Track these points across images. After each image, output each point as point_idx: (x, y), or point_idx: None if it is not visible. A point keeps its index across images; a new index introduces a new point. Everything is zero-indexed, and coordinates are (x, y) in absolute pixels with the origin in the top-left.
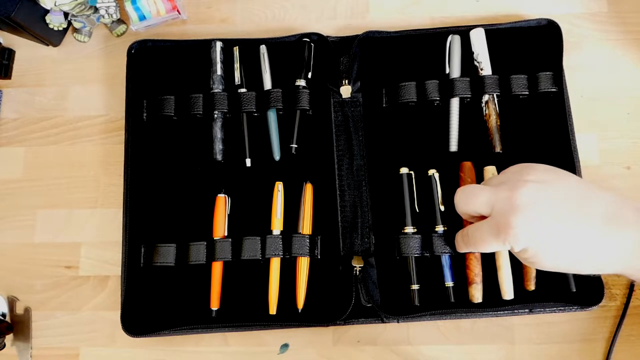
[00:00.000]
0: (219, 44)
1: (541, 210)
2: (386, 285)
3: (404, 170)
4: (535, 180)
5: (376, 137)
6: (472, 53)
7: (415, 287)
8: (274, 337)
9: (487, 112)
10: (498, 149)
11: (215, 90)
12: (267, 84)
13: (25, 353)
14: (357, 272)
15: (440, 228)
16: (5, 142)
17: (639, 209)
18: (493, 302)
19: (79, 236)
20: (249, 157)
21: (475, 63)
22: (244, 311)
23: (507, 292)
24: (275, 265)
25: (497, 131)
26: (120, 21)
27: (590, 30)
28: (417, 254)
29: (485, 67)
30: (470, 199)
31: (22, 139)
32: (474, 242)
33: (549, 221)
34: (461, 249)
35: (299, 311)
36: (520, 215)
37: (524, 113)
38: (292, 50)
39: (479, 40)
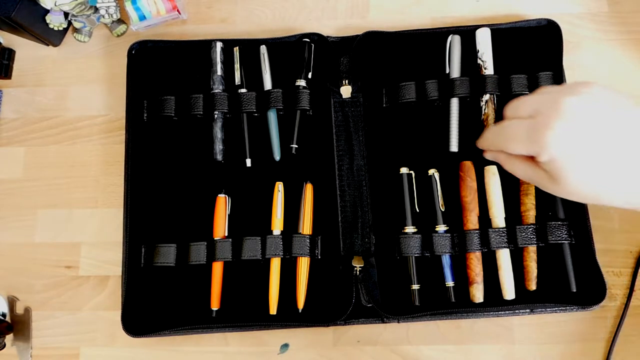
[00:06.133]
0: (219, 44)
1: (585, 123)
2: (386, 285)
3: (404, 170)
4: (589, 93)
5: (376, 137)
6: (476, 52)
7: (415, 287)
8: (274, 337)
9: (486, 111)
10: None
11: (216, 91)
12: (267, 84)
13: (25, 353)
14: (358, 272)
15: (440, 228)
16: (5, 142)
17: None
18: (494, 302)
19: (79, 236)
20: (249, 157)
21: (479, 62)
22: (244, 311)
23: (508, 292)
24: (275, 265)
25: None
26: (120, 21)
27: (590, 30)
28: (418, 253)
29: (488, 67)
30: (520, 105)
31: (22, 139)
32: (504, 137)
33: (590, 136)
34: (484, 144)
35: (299, 311)
36: (562, 120)
37: None
38: (292, 51)
39: (484, 40)
